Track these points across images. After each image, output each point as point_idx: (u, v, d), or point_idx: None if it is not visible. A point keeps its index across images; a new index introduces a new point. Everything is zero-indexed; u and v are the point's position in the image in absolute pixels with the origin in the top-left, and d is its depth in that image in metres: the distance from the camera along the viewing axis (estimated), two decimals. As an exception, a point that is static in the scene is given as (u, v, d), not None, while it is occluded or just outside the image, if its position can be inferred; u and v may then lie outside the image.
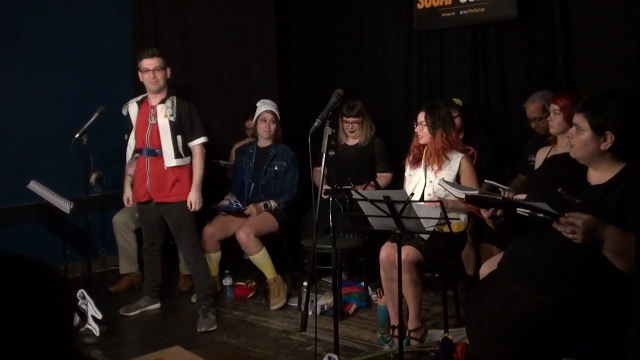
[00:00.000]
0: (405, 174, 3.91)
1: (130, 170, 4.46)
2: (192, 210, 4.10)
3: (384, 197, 2.96)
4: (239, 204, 4.72)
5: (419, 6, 4.91)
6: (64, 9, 5.04)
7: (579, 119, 2.38)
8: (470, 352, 3.28)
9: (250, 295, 4.71)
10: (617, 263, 2.19)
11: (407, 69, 5.15)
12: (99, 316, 3.85)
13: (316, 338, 3.05)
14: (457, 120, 4.28)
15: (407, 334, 3.58)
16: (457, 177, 3.70)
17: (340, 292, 4.13)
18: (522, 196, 2.51)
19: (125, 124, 4.48)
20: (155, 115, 4.10)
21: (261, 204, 4.63)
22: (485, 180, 3.99)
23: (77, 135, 4.15)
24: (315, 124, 2.87)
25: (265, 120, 4.74)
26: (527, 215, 2.25)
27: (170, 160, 4.07)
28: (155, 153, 4.10)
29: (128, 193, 4.47)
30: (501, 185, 3.83)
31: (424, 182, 3.74)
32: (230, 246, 4.82)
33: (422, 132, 3.72)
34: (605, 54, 4.12)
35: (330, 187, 3.25)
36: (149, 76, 4.04)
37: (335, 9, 5.54)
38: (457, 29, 4.83)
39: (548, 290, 2.30)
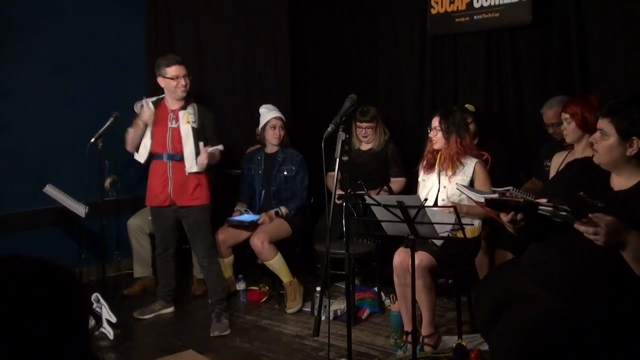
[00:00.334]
0: (419, 179, 3.90)
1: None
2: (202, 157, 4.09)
3: (398, 202, 2.95)
4: (250, 214, 4.73)
5: (433, 11, 4.90)
6: (80, 14, 5.09)
7: (604, 124, 2.35)
8: (484, 358, 3.27)
9: (264, 299, 4.72)
10: (638, 268, 2.16)
11: (421, 74, 5.14)
12: (113, 320, 3.87)
13: (329, 343, 3.04)
14: (471, 126, 4.27)
15: (420, 340, 3.56)
16: (471, 182, 3.68)
17: (353, 297, 4.12)
18: (543, 200, 2.49)
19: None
20: (177, 120, 4.14)
21: (272, 212, 4.64)
22: (493, 189, 3.95)
23: (92, 140, 4.18)
24: (329, 129, 2.87)
25: (275, 127, 4.75)
26: (548, 215, 2.20)
27: (192, 166, 4.12)
28: (178, 158, 4.13)
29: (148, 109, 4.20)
30: (509, 188, 3.82)
31: (438, 187, 3.73)
32: (243, 251, 4.83)
33: (436, 137, 3.71)
34: (621, 59, 4.09)
35: (343, 192, 3.25)
36: (181, 83, 4.08)
37: (349, 14, 5.54)
38: (471, 34, 4.82)
39: (569, 297, 2.28)
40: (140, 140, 4.21)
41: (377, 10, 5.38)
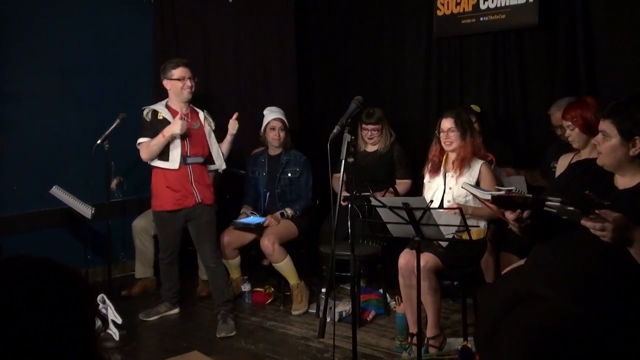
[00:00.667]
0: (425, 181, 3.90)
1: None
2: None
3: (403, 204, 2.95)
4: (257, 216, 4.73)
5: (439, 13, 4.90)
6: (86, 16, 5.11)
7: (605, 125, 2.35)
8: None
9: (269, 301, 4.72)
10: None
11: (427, 76, 5.13)
12: (119, 321, 3.88)
13: (334, 345, 3.04)
14: (476, 126, 4.27)
15: (425, 342, 3.55)
16: (477, 184, 3.68)
17: (358, 299, 4.13)
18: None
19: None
20: (199, 125, 4.23)
21: (277, 214, 4.65)
22: (497, 188, 3.94)
23: (98, 142, 4.19)
24: (335, 130, 2.87)
25: (274, 129, 4.75)
26: (555, 211, 2.18)
27: (222, 163, 4.31)
28: (200, 161, 4.20)
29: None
30: (512, 188, 3.81)
31: (444, 189, 3.73)
32: (248, 252, 4.84)
33: (451, 139, 3.70)
34: (627, 61, 4.08)
35: (349, 194, 3.24)
36: (187, 84, 4.12)
37: (355, 16, 5.54)
38: (478, 35, 4.81)
39: (574, 296, 2.27)
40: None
41: (383, 12, 5.37)
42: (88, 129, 4.69)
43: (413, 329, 3.56)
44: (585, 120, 3.35)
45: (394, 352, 3.71)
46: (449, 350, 3.60)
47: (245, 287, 4.74)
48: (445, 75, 5.05)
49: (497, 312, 2.43)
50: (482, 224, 3.67)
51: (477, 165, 3.69)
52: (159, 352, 3.87)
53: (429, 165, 3.85)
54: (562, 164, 3.64)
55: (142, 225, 4.96)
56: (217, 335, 4.03)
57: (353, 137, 2.91)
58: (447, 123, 3.72)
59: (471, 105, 4.52)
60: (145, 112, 4.24)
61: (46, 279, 1.10)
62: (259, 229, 4.60)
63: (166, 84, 4.17)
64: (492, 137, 4.49)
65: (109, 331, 3.84)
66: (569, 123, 3.48)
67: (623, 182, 2.40)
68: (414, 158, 4.82)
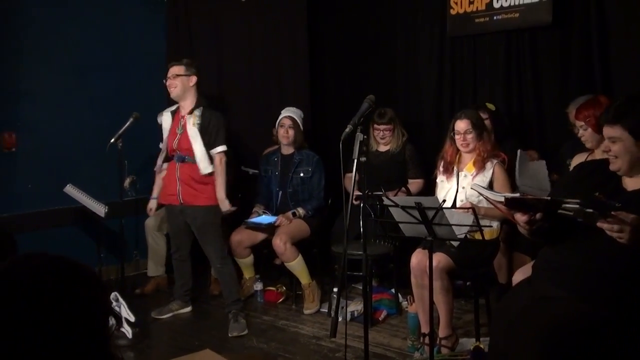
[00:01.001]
0: (437, 180, 3.89)
1: (158, 179, 4.46)
2: (224, 210, 4.13)
3: (416, 204, 2.94)
4: (268, 215, 4.74)
5: (452, 12, 4.88)
6: (100, 16, 5.14)
7: (614, 130, 2.33)
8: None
9: (281, 300, 4.73)
10: None
11: (440, 75, 5.11)
12: (132, 319, 3.90)
13: (346, 344, 3.03)
14: (487, 122, 4.25)
15: (437, 342, 3.55)
16: (490, 183, 3.66)
17: (370, 298, 4.12)
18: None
19: (158, 130, 4.55)
20: (184, 126, 4.16)
21: (289, 213, 4.65)
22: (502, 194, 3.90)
23: (112, 140, 4.22)
24: (347, 129, 2.87)
25: (283, 126, 4.75)
26: (571, 214, 2.15)
27: (206, 167, 4.12)
28: (184, 159, 4.15)
29: (152, 204, 4.50)
30: (517, 195, 3.78)
31: (456, 189, 3.71)
32: (260, 251, 4.85)
33: (468, 140, 3.68)
34: (642, 59, 4.05)
35: (361, 193, 3.24)
36: (169, 82, 4.14)
37: (368, 15, 5.53)
38: (491, 34, 4.79)
39: (588, 297, 2.26)
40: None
41: (396, 11, 5.36)
42: (102, 128, 4.72)
43: (425, 329, 3.55)
44: (597, 120, 3.32)
45: (406, 352, 3.70)
46: (461, 351, 3.59)
47: (257, 286, 4.75)
48: (458, 75, 5.03)
49: (508, 329, 2.42)
50: (495, 224, 3.66)
51: (491, 165, 3.68)
52: (172, 350, 3.88)
53: (442, 165, 3.83)
54: (575, 163, 3.62)
55: (155, 224, 4.99)
56: (229, 335, 4.04)
57: (365, 137, 2.91)
58: (462, 124, 3.69)
59: (486, 104, 4.49)
60: None
61: (60, 276, 1.11)
62: (270, 229, 4.60)
63: None
64: (505, 137, 4.46)
65: (122, 329, 3.86)
66: (582, 123, 3.45)
67: (631, 183, 2.38)
68: (426, 158, 4.80)
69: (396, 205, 3.05)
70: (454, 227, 3.03)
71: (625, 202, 2.27)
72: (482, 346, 3.38)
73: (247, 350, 3.83)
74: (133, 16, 5.38)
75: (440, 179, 3.85)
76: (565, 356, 2.17)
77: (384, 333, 4.04)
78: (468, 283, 4.28)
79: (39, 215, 4.78)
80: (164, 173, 4.35)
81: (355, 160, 2.84)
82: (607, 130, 2.36)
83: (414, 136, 4.98)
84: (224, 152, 4.19)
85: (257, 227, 4.66)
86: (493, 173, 3.67)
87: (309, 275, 4.56)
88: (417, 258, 3.56)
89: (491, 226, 3.60)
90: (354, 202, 3.45)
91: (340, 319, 3.08)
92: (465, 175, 3.72)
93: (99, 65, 5.12)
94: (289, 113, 4.79)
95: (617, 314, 2.21)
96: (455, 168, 3.76)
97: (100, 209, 4.47)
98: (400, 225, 3.20)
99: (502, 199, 2.34)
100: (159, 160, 4.37)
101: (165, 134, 4.29)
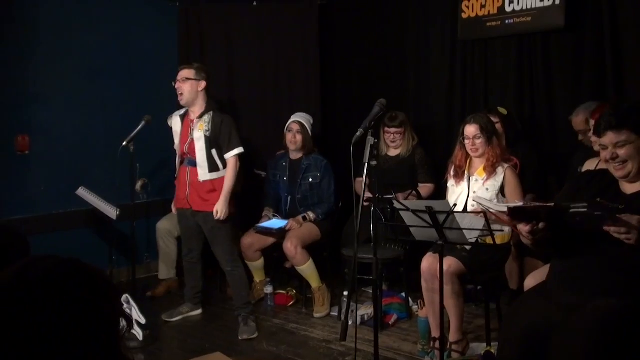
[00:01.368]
0: (448, 185, 3.88)
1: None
2: (216, 218, 4.08)
3: (427, 208, 2.94)
4: (279, 218, 4.74)
5: (464, 15, 4.87)
6: (113, 21, 5.17)
7: (620, 135, 2.33)
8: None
9: (291, 303, 4.73)
10: None
11: (451, 79, 5.10)
12: (143, 321, 3.91)
13: (356, 348, 3.03)
14: (498, 126, 4.23)
15: (448, 347, 3.53)
16: (502, 188, 3.65)
17: (380, 302, 4.11)
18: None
19: (169, 133, 4.57)
20: (194, 130, 4.19)
21: (300, 217, 4.65)
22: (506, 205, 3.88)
23: (124, 143, 4.24)
24: (358, 133, 2.87)
25: (291, 131, 4.74)
26: (586, 210, 2.15)
27: (204, 174, 4.14)
28: (195, 163, 4.17)
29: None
30: (520, 204, 3.76)
31: (468, 193, 3.70)
32: (270, 254, 4.85)
33: (477, 145, 3.67)
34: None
35: (372, 196, 3.24)
36: (177, 86, 4.15)
37: (379, 19, 5.53)
38: (502, 38, 4.77)
39: (611, 292, 2.24)
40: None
41: (407, 15, 5.36)
42: (114, 131, 4.74)
43: (436, 333, 3.54)
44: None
45: (416, 357, 3.69)
46: (471, 355, 3.57)
47: (268, 289, 4.75)
48: (469, 79, 5.02)
49: (519, 340, 2.40)
50: (507, 229, 3.63)
51: (502, 170, 3.67)
52: (182, 352, 3.89)
53: (453, 170, 3.82)
54: (587, 167, 3.61)
55: (166, 227, 5.01)
56: (239, 338, 4.04)
57: (376, 140, 2.91)
58: (471, 129, 3.68)
59: (498, 108, 4.48)
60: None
61: (72, 278, 1.12)
62: (281, 233, 4.61)
63: None
64: (517, 141, 4.44)
65: (132, 331, 3.87)
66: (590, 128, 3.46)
67: (629, 187, 2.42)
68: (437, 162, 4.79)
69: (407, 209, 3.05)
70: (465, 231, 3.02)
71: (626, 205, 2.29)
72: (492, 351, 3.36)
73: (257, 354, 3.83)
74: (145, 20, 5.41)
75: (451, 183, 3.84)
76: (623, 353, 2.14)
77: (394, 337, 4.03)
78: (479, 287, 4.26)
79: (51, 217, 4.81)
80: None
81: (366, 164, 2.85)
82: (612, 137, 2.36)
83: (425, 140, 4.97)
84: (239, 155, 4.16)
85: (268, 232, 4.66)
86: (504, 178, 3.65)
87: (319, 279, 4.56)
88: (428, 262, 3.55)
89: (502, 230, 3.58)
90: (364, 203, 3.46)
91: (350, 322, 3.08)
92: (477, 180, 3.70)
93: (111, 69, 5.16)
94: (298, 118, 4.79)
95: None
96: (466, 172, 3.75)
97: (112, 212, 4.50)
98: (411, 229, 3.19)
99: (505, 209, 2.32)
100: (177, 165, 4.41)
101: (177, 137, 4.33)
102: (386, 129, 4.79)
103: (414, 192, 4.64)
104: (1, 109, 4.54)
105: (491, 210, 2.50)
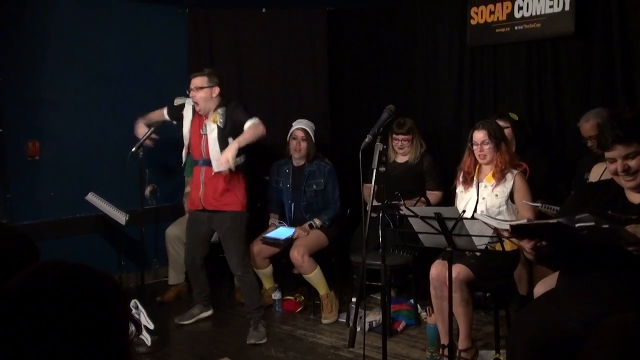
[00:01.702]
0: (457, 191, 3.87)
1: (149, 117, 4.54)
2: (221, 164, 3.98)
3: (435, 214, 2.93)
4: (285, 225, 4.73)
5: (473, 22, 4.86)
6: (123, 27, 5.20)
7: (630, 147, 2.31)
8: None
9: (299, 309, 4.73)
10: None
11: (460, 85, 5.09)
12: (151, 326, 3.92)
13: (364, 355, 3.02)
14: (507, 132, 4.22)
15: (457, 354, 3.51)
16: (511, 194, 3.64)
17: (389, 309, 4.10)
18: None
19: (178, 138, 4.59)
20: (206, 126, 4.19)
21: (306, 225, 4.64)
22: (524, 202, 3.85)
23: (133, 149, 4.26)
24: (366, 139, 2.87)
25: (296, 138, 4.73)
26: (593, 224, 2.12)
27: (218, 166, 4.05)
28: (209, 163, 4.17)
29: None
30: (538, 205, 3.74)
31: (476, 199, 3.69)
32: (279, 261, 4.85)
33: (485, 152, 3.66)
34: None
35: (380, 204, 3.23)
36: (192, 94, 4.16)
37: (387, 25, 5.54)
38: (512, 44, 4.76)
39: (624, 305, 2.23)
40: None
41: (415, 21, 5.35)
42: (123, 136, 4.76)
43: (444, 340, 3.52)
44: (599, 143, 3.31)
45: (425, 364, 3.68)
46: (480, 363, 3.56)
47: (276, 295, 4.75)
48: (478, 85, 5.00)
49: (529, 347, 2.39)
50: (516, 235, 3.62)
51: (511, 176, 3.65)
52: (190, 358, 3.90)
53: (462, 176, 3.81)
54: (595, 174, 3.60)
55: (175, 233, 5.02)
56: (247, 342, 4.04)
57: (385, 146, 2.91)
58: (480, 135, 3.68)
59: (509, 113, 4.46)
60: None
61: (80, 284, 1.12)
62: (289, 242, 4.59)
63: None
64: (527, 147, 4.43)
65: (141, 336, 3.88)
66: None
67: (636, 196, 2.40)
68: (445, 168, 4.78)
69: (416, 216, 3.04)
70: (474, 238, 3.01)
71: (637, 215, 2.28)
72: (502, 358, 3.35)
73: (265, 360, 3.83)
74: (155, 27, 5.44)
75: (460, 189, 3.83)
76: None
77: (403, 344, 4.01)
78: (488, 294, 4.24)
79: (61, 222, 4.83)
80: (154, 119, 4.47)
81: (375, 170, 2.84)
82: (621, 150, 2.32)
83: (433, 147, 4.96)
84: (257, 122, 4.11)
85: (276, 243, 4.63)
86: (514, 184, 3.64)
87: (327, 286, 4.55)
88: (437, 269, 3.54)
89: (511, 237, 3.57)
90: (373, 214, 3.45)
91: (358, 329, 3.07)
92: (486, 186, 3.69)
93: (121, 75, 5.18)
94: (301, 125, 4.77)
95: None
96: (474, 178, 3.74)
97: (121, 217, 4.51)
98: (420, 236, 3.19)
99: (508, 227, 2.29)
100: (184, 155, 4.43)
101: (187, 128, 4.29)
102: (394, 135, 4.78)
103: (422, 199, 4.63)
104: (12, 115, 4.57)
105: (493, 226, 2.48)
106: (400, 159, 4.85)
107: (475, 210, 3.65)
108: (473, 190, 3.73)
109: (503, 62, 4.86)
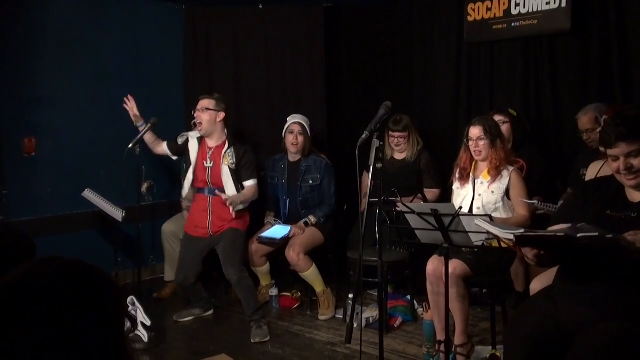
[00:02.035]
0: (454, 188, 3.88)
1: (185, 203, 4.72)
2: (225, 199, 4.20)
3: (432, 211, 2.93)
4: (280, 223, 4.73)
5: (470, 18, 4.86)
6: (120, 24, 5.19)
7: (632, 145, 2.29)
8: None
9: (296, 305, 4.73)
10: None
11: (457, 82, 5.09)
12: (148, 323, 3.92)
13: (361, 351, 3.03)
14: (506, 127, 4.22)
15: (453, 350, 3.52)
16: (507, 191, 3.64)
17: (386, 305, 4.11)
18: (560, 226, 2.41)
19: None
20: (212, 159, 4.32)
21: (301, 223, 4.63)
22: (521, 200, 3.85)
23: (130, 146, 4.26)
24: (363, 136, 2.87)
25: (292, 132, 4.68)
26: (596, 234, 2.10)
27: (237, 205, 4.28)
28: (216, 192, 4.28)
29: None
30: (534, 202, 3.74)
31: (473, 196, 3.69)
32: (275, 257, 4.84)
33: (480, 148, 3.66)
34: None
35: (376, 199, 3.23)
36: (197, 114, 4.28)
37: (385, 21, 5.53)
38: (508, 41, 4.76)
39: (621, 316, 2.23)
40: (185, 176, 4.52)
41: (412, 17, 5.35)
42: (120, 133, 4.76)
43: (441, 336, 3.53)
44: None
45: (422, 359, 3.69)
46: (477, 359, 3.56)
47: (273, 292, 4.75)
48: (475, 82, 5.00)
49: (526, 344, 2.39)
50: (512, 231, 3.62)
51: (507, 172, 3.66)
52: (187, 354, 3.90)
53: (458, 173, 3.82)
54: (592, 172, 3.61)
55: (172, 230, 5.01)
56: (252, 341, 4.03)
57: (382, 143, 2.91)
58: (475, 131, 3.68)
59: (509, 109, 4.46)
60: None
61: (77, 280, 1.12)
62: (285, 241, 4.58)
63: None
64: (524, 143, 4.44)
65: (138, 333, 3.89)
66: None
67: (636, 195, 2.38)
68: (443, 165, 4.77)
69: (412, 212, 3.04)
70: (470, 234, 3.02)
71: (638, 214, 2.28)
72: (498, 354, 3.36)
73: (262, 356, 3.83)
74: (151, 23, 5.42)
75: (456, 185, 3.84)
76: None
77: (399, 340, 4.02)
78: (484, 290, 4.25)
79: (57, 219, 4.82)
80: (189, 203, 4.59)
81: (372, 167, 2.84)
82: (624, 148, 2.30)
83: (431, 144, 4.96)
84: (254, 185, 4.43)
85: (272, 243, 4.62)
86: (510, 180, 3.65)
87: (323, 283, 4.55)
88: (433, 265, 3.55)
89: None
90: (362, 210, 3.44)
91: (355, 325, 3.08)
92: (482, 182, 3.70)
93: (118, 72, 5.17)
94: (297, 119, 4.76)
95: None
96: (471, 175, 3.75)
97: (117, 214, 4.51)
98: (417, 232, 3.19)
99: (512, 237, 2.26)
100: (186, 184, 4.50)
101: (193, 159, 4.41)
102: (390, 132, 4.77)
103: (419, 196, 4.63)
104: (8, 111, 4.55)
105: (499, 236, 2.45)
106: (398, 156, 4.85)
107: (471, 207, 3.66)
108: (469, 186, 3.73)
109: (500, 58, 4.86)
